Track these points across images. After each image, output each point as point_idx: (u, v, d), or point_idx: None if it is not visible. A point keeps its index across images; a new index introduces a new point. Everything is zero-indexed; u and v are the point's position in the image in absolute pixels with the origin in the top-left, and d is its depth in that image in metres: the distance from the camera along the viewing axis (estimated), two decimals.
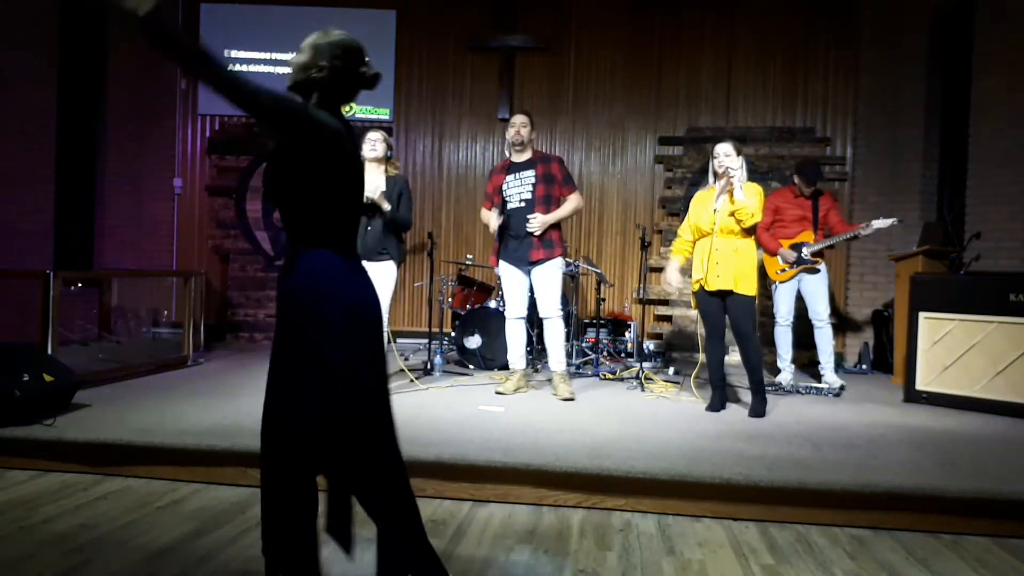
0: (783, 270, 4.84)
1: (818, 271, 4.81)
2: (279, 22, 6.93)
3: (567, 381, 4.24)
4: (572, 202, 4.29)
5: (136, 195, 6.97)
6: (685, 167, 6.63)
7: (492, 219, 4.26)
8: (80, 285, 6.36)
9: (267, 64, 6.97)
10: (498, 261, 4.39)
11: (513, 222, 4.27)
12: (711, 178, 3.90)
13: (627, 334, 6.11)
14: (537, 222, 4.15)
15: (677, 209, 6.62)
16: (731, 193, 3.70)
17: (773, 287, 4.98)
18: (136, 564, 2.12)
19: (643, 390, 4.53)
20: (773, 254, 4.87)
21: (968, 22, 5.63)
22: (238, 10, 6.98)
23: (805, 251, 4.76)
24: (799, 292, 4.89)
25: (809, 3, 6.54)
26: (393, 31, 6.91)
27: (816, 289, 4.83)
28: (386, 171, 4.17)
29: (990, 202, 5.30)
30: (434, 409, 3.76)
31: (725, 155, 3.75)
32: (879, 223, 4.57)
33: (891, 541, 2.49)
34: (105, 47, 6.81)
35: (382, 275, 4.06)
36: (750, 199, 3.71)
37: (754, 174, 3.81)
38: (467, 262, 6.01)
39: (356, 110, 6.91)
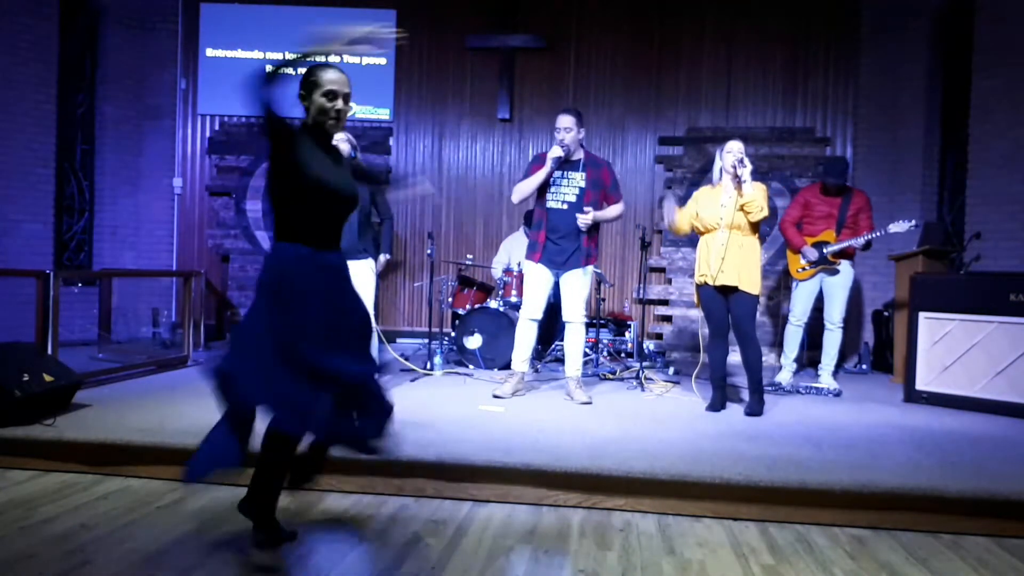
0: (803, 268, 4.80)
1: (837, 271, 4.75)
2: (279, 22, 6.92)
3: (582, 386, 4.20)
4: (617, 209, 4.15)
5: (136, 195, 6.97)
6: (685, 167, 6.62)
7: (550, 157, 4.00)
8: (80, 285, 6.36)
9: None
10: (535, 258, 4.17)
11: (553, 222, 4.09)
12: (716, 175, 3.91)
13: (627, 334, 6.11)
14: (589, 217, 3.97)
15: None
16: (740, 187, 3.73)
17: (793, 284, 4.93)
18: (136, 564, 2.12)
19: (643, 390, 4.53)
20: (797, 251, 4.80)
21: (968, 22, 5.64)
22: (238, 10, 6.97)
23: (825, 251, 4.71)
24: (820, 292, 4.83)
25: (809, 3, 6.54)
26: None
27: (836, 291, 4.77)
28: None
29: (990, 202, 5.30)
30: (434, 409, 3.76)
31: (739, 151, 3.77)
32: (895, 226, 4.53)
33: (891, 541, 2.49)
34: (105, 46, 6.81)
35: (363, 273, 4.11)
36: (757, 193, 3.75)
37: (754, 174, 3.83)
38: (467, 262, 6.01)
39: (356, 110, 6.90)
